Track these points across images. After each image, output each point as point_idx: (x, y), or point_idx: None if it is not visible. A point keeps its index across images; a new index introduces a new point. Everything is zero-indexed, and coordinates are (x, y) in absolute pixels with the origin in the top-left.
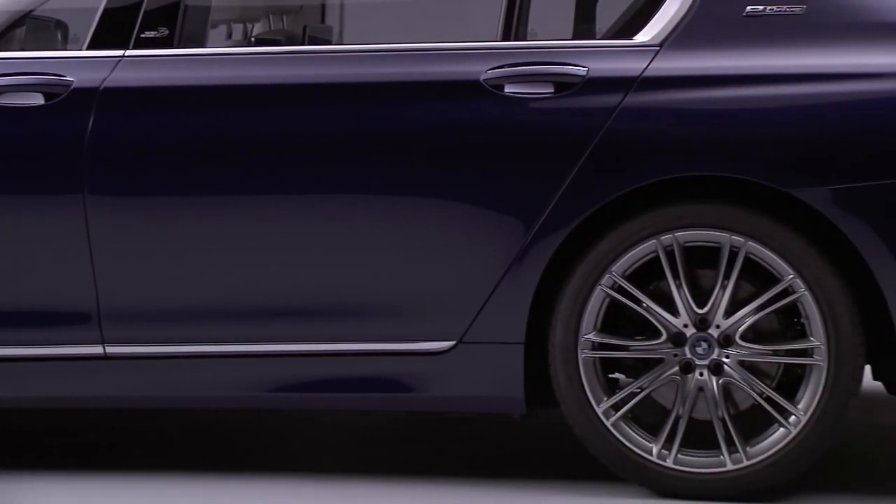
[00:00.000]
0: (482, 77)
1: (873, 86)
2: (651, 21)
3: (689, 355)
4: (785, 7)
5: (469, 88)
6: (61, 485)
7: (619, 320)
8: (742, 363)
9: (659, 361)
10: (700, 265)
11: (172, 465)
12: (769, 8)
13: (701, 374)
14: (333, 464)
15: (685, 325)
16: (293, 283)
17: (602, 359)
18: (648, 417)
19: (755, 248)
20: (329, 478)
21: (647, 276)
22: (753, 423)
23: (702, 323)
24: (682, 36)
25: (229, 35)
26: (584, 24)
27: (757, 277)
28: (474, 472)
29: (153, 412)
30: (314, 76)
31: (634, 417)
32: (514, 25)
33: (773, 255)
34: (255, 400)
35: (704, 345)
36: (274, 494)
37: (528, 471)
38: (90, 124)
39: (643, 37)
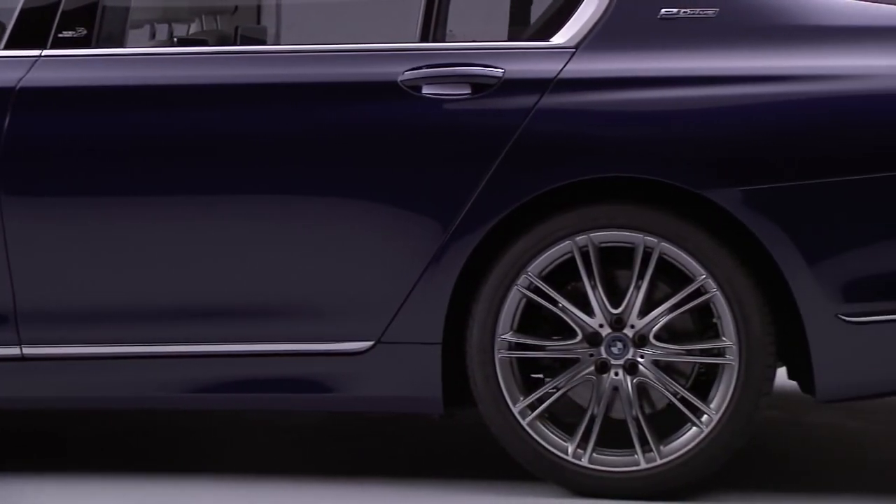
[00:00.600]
0: (399, 78)
1: (783, 88)
2: (567, 23)
3: (604, 355)
4: (698, 10)
5: (386, 89)
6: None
7: (538, 320)
8: (657, 363)
9: (575, 361)
10: (618, 266)
11: (103, 466)
12: (683, 11)
13: (616, 374)
14: (266, 465)
15: (600, 325)
16: (211, 284)
17: (520, 359)
18: (567, 417)
19: (668, 248)
20: (260, 479)
21: (565, 277)
22: (669, 422)
23: (617, 323)
24: (597, 38)
25: (153, 35)
26: (506, 26)
27: (673, 278)
28: (401, 471)
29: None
30: (230, 77)
31: (552, 417)
32: (433, 27)
33: (685, 256)
34: (174, 401)
35: (620, 345)
36: (204, 495)
37: (453, 469)
38: (6, 124)
39: (559, 39)
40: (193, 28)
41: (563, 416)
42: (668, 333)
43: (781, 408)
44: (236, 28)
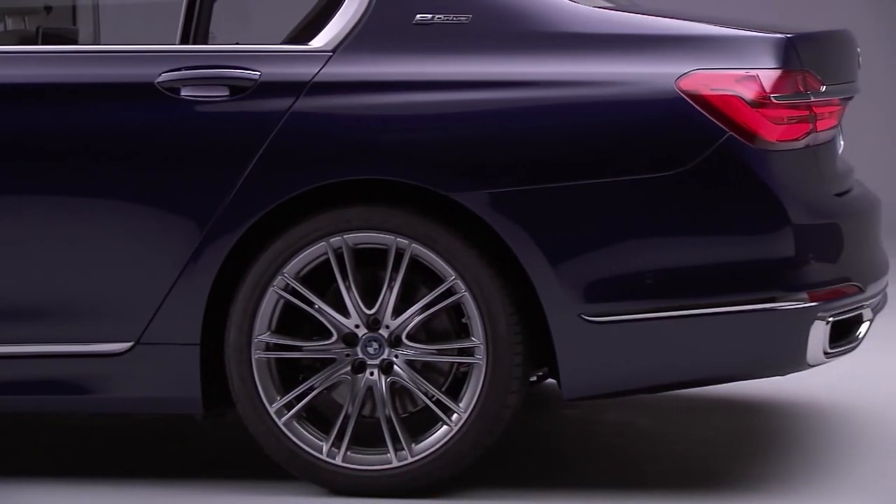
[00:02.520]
0: (157, 80)
1: (528, 94)
2: (326, 27)
3: (360, 355)
4: (452, 16)
5: (143, 91)
6: None
7: (302, 321)
8: (411, 363)
9: (332, 361)
10: (379, 266)
11: None
12: (437, 16)
13: (372, 374)
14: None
15: (356, 326)
16: None
17: (283, 359)
18: (334, 418)
19: (420, 250)
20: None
21: (327, 278)
22: (427, 420)
23: (374, 324)
24: (354, 42)
25: None
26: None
27: (433, 279)
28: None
29: None
30: None
31: (313, 417)
32: (193, 30)
33: (435, 258)
34: None
35: (375, 345)
36: None
37: (214, 470)
38: None
39: (318, 42)
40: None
41: (330, 417)
42: (428, 334)
43: (576, 406)
44: (37, 28)
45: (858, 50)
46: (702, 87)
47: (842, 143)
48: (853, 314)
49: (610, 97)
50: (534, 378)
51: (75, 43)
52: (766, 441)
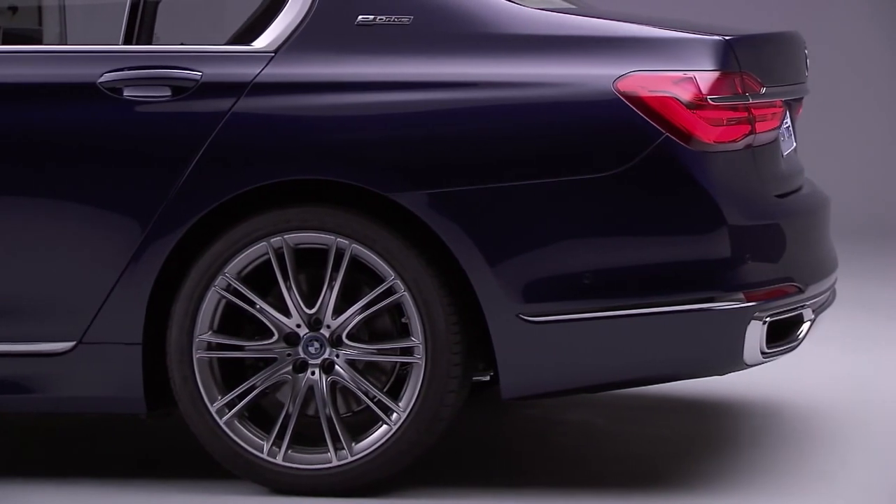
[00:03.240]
0: (98, 80)
1: (466, 95)
2: (269, 28)
3: (302, 355)
4: (393, 17)
5: (85, 91)
6: None
7: (246, 321)
8: (352, 362)
9: (273, 361)
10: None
11: None
12: (379, 17)
13: (313, 373)
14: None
15: (298, 325)
16: None
17: (227, 359)
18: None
19: (360, 250)
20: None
21: (273, 278)
22: (371, 420)
23: (316, 323)
24: (296, 43)
25: None
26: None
27: (375, 279)
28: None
29: None
30: None
31: (255, 417)
32: (136, 31)
33: (375, 257)
34: None
35: (317, 344)
36: None
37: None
38: None
39: (261, 43)
40: None
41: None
42: (372, 334)
43: (536, 406)
44: None
45: (806, 51)
46: (639, 89)
47: (794, 143)
48: (793, 314)
49: (548, 98)
50: (487, 378)
51: (39, 44)
52: (720, 441)
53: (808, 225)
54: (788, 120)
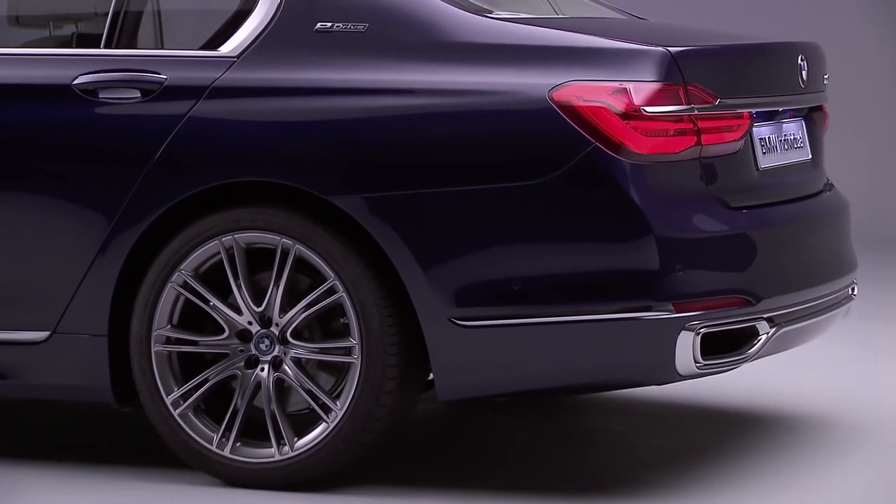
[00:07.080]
0: (73, 82)
1: (405, 101)
2: (235, 34)
3: (253, 351)
4: (350, 24)
5: (60, 93)
6: None
7: (206, 317)
8: (298, 360)
9: (226, 356)
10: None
11: None
12: (336, 25)
13: (263, 370)
14: None
15: (249, 323)
16: None
17: (188, 354)
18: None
19: (303, 251)
20: None
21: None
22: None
23: (269, 321)
24: (258, 49)
25: None
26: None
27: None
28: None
29: None
30: None
31: (208, 410)
32: (116, 35)
33: (316, 258)
34: None
35: (267, 341)
36: None
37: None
38: None
39: (226, 48)
40: None
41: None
42: (323, 333)
43: (560, 410)
44: None
45: (802, 63)
46: (574, 99)
47: (809, 154)
48: (740, 326)
49: (485, 106)
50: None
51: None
52: (733, 451)
53: (772, 238)
54: (788, 130)
